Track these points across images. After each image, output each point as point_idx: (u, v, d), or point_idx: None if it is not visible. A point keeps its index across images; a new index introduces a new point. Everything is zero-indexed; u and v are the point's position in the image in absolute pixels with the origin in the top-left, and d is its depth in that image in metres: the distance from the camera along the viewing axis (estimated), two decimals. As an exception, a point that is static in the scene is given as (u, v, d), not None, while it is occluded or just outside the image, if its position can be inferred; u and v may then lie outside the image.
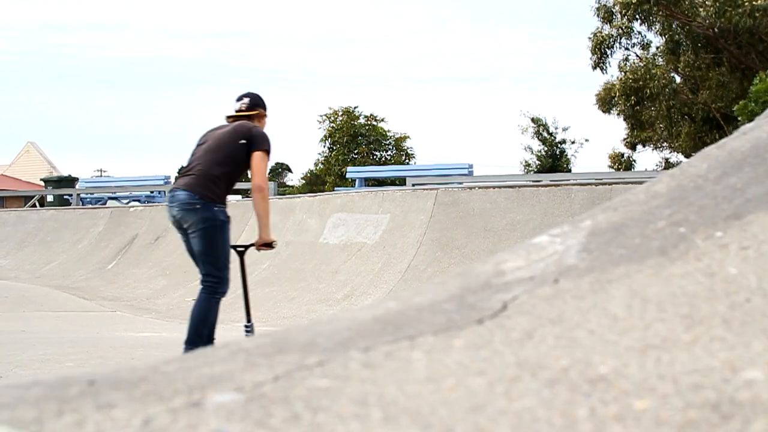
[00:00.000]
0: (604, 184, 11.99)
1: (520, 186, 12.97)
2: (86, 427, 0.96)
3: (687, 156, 32.35)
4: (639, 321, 1.32)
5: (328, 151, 38.91)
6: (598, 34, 29.44)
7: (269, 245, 6.94)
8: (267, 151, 6.56)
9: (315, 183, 42.07)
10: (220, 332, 9.05)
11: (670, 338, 1.26)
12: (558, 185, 12.66)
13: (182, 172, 6.78)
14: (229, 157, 6.53)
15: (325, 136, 38.71)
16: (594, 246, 1.61)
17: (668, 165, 33.61)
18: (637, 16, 27.23)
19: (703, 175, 1.92)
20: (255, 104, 6.87)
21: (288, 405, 1.02)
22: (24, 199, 29.49)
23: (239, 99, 6.92)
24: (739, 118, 20.86)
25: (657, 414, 1.03)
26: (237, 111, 6.86)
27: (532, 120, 43.30)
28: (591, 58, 29.95)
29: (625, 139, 34.12)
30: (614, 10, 28.61)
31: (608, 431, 1.00)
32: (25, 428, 0.95)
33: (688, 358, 1.19)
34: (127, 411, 1.01)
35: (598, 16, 29.37)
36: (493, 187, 12.90)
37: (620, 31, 29.21)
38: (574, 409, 1.04)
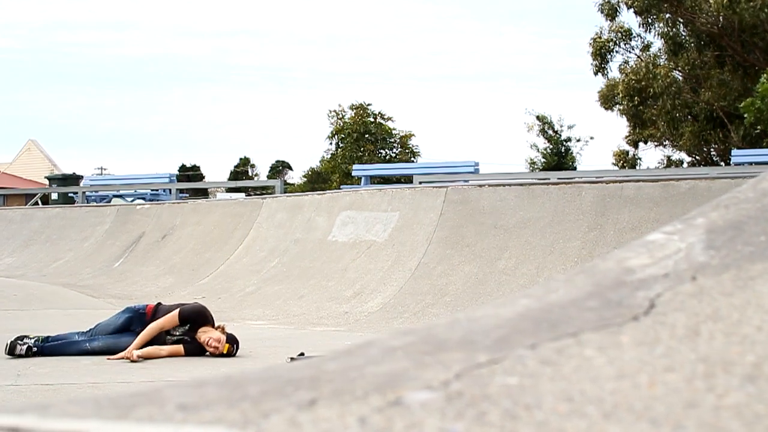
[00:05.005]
0: (615, 182, 11.98)
1: (529, 184, 12.95)
2: (304, 427, 0.95)
3: (689, 154, 32.45)
4: (802, 317, 1.31)
5: (335, 148, 38.68)
6: (597, 39, 29.63)
7: None
8: None
9: (317, 181, 41.84)
10: (231, 329, 9.00)
11: None
12: (568, 183, 12.66)
13: None
14: None
15: (332, 133, 38.47)
16: (719, 243, 1.61)
17: (670, 163, 33.66)
18: (644, 11, 27.30)
19: (812, 172, 1.91)
20: None
21: (494, 403, 1.01)
22: (25, 197, 29.42)
23: None
24: (745, 116, 20.90)
25: None
26: None
27: (538, 118, 43.24)
28: (592, 64, 30.21)
29: (627, 137, 34.17)
30: (618, 8, 28.74)
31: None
32: (242, 429, 0.94)
33: None
34: (332, 410, 1.00)
35: (602, 12, 29.51)
36: (503, 185, 12.88)
37: (619, 34, 29.37)
38: (791, 405, 1.03)
